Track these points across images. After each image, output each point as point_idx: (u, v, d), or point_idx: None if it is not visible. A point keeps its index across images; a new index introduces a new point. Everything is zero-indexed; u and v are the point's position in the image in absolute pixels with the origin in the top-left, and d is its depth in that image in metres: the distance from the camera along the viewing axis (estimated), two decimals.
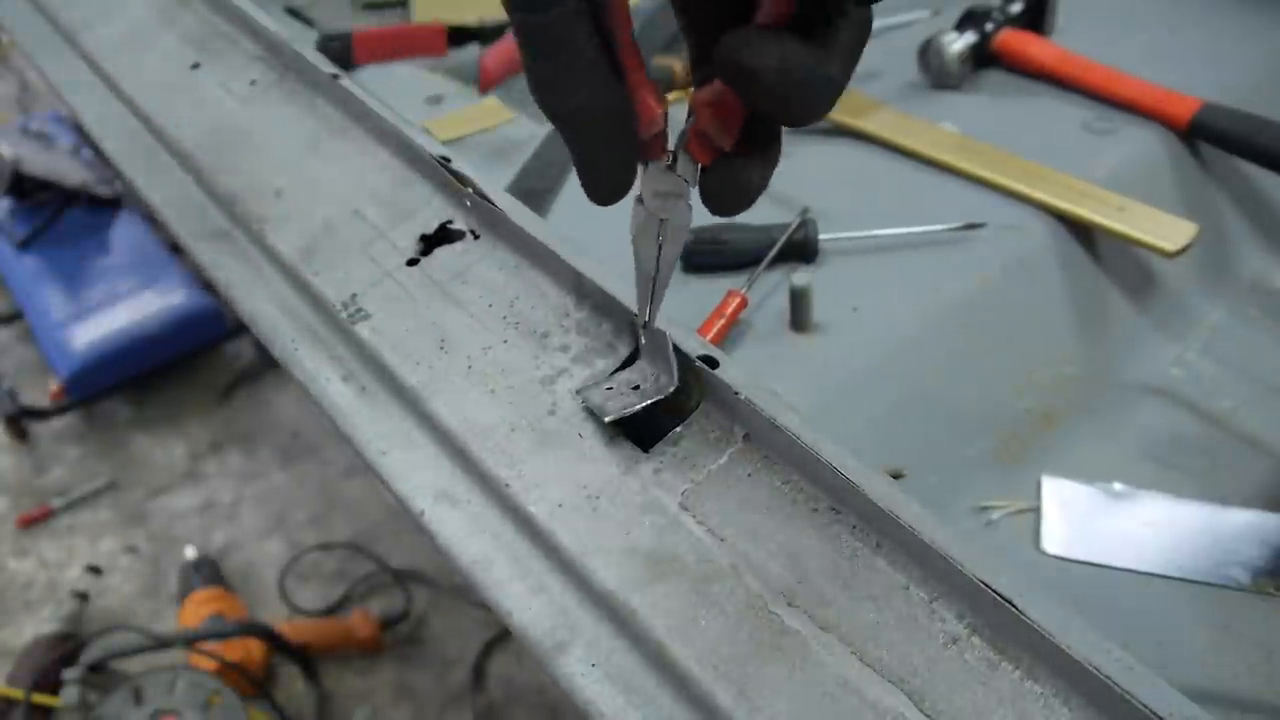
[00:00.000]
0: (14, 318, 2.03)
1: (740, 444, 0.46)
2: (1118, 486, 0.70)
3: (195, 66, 0.80)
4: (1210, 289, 0.85)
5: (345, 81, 0.70)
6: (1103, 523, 0.68)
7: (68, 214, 2.03)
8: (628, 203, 0.46)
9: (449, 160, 0.61)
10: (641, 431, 0.48)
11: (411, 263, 0.60)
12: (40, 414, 1.83)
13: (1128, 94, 0.89)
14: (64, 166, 2.07)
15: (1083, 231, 0.79)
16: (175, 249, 1.92)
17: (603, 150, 0.41)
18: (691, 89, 0.41)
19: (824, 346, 0.70)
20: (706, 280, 0.76)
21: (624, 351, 0.51)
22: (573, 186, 0.89)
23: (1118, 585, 0.64)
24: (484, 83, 1.01)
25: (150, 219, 2.03)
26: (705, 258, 0.77)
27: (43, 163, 2.05)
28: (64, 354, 1.80)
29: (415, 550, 1.63)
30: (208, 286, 1.83)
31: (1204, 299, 0.84)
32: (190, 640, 1.42)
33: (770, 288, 0.75)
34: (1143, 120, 0.88)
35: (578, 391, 0.49)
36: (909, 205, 0.81)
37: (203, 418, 1.90)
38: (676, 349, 0.48)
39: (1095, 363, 0.78)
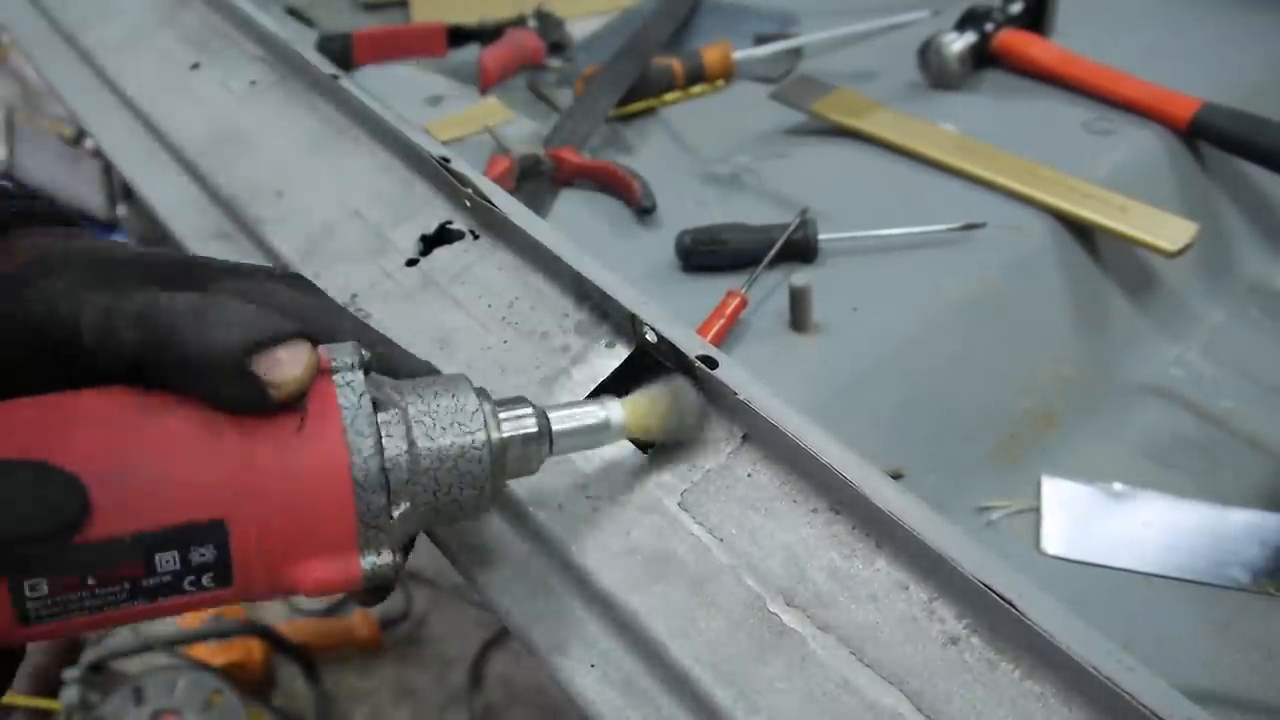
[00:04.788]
0: None
1: (739, 444, 0.46)
2: (1118, 486, 0.70)
3: (195, 66, 0.80)
4: (1210, 289, 0.85)
5: (345, 82, 0.70)
6: (1103, 523, 0.68)
7: None
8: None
9: (449, 161, 0.61)
10: None
11: (411, 263, 0.60)
12: None
13: (1128, 94, 0.89)
14: (62, 181, 2.06)
15: (1083, 232, 0.79)
16: None
17: None
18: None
19: (824, 347, 0.70)
20: (706, 280, 0.76)
21: (624, 352, 0.51)
22: (573, 187, 0.89)
23: (1118, 585, 0.64)
24: (484, 83, 1.01)
25: (143, 243, 2.02)
26: (704, 258, 0.77)
27: (40, 174, 2.04)
28: None
29: (415, 550, 1.63)
30: None
31: (1204, 299, 0.84)
32: (190, 640, 1.42)
33: (770, 288, 0.75)
34: (1143, 120, 0.88)
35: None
36: (909, 205, 0.80)
37: None
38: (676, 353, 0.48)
39: (1095, 363, 0.77)
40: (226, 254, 0.66)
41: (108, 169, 2.10)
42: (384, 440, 0.36)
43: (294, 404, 0.36)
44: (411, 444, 0.37)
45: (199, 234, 0.68)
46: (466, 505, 0.39)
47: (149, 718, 1.29)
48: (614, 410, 0.42)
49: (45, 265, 0.38)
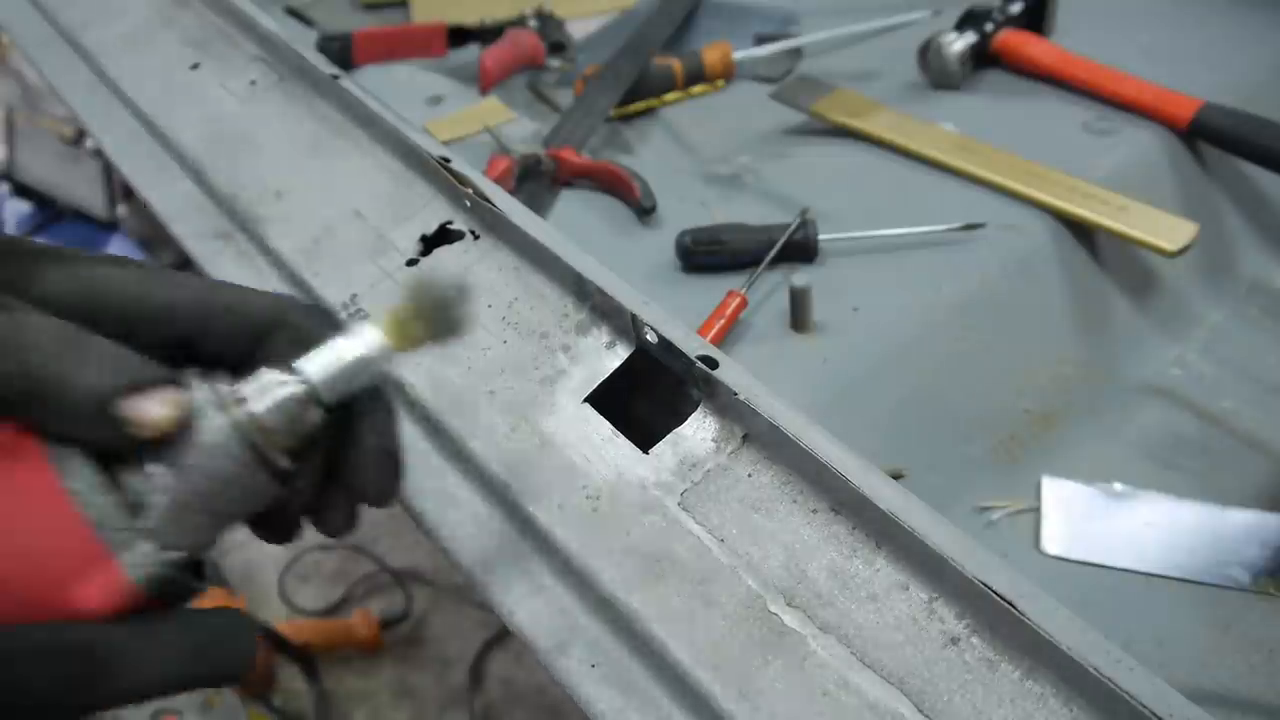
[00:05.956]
0: None
1: (740, 444, 0.46)
2: (1118, 486, 0.70)
3: (195, 67, 0.80)
4: (1210, 289, 0.85)
5: (345, 81, 0.70)
6: (1103, 523, 0.68)
7: (60, 235, 2.02)
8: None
9: (449, 160, 0.61)
10: (641, 432, 0.48)
11: (411, 263, 0.60)
12: None
13: (1128, 94, 0.89)
14: (62, 181, 2.06)
15: (1083, 231, 0.79)
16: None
17: None
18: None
19: (824, 347, 0.70)
20: (706, 280, 0.76)
21: (624, 352, 0.51)
22: (573, 187, 0.89)
23: (1118, 585, 0.64)
24: (484, 83, 1.01)
25: (143, 244, 2.01)
26: (705, 258, 0.77)
27: (40, 173, 2.04)
28: None
29: (415, 550, 1.63)
30: None
31: (1204, 299, 0.84)
32: None
33: (770, 288, 0.75)
34: (1143, 120, 0.88)
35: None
36: (909, 205, 0.81)
37: None
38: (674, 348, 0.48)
39: (1095, 363, 0.77)
40: (227, 254, 0.66)
41: (108, 169, 2.10)
42: (116, 475, 0.35)
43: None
44: (150, 475, 0.35)
45: (199, 234, 0.68)
46: (247, 494, 0.37)
47: (149, 718, 1.29)
48: (370, 336, 0.39)
49: None
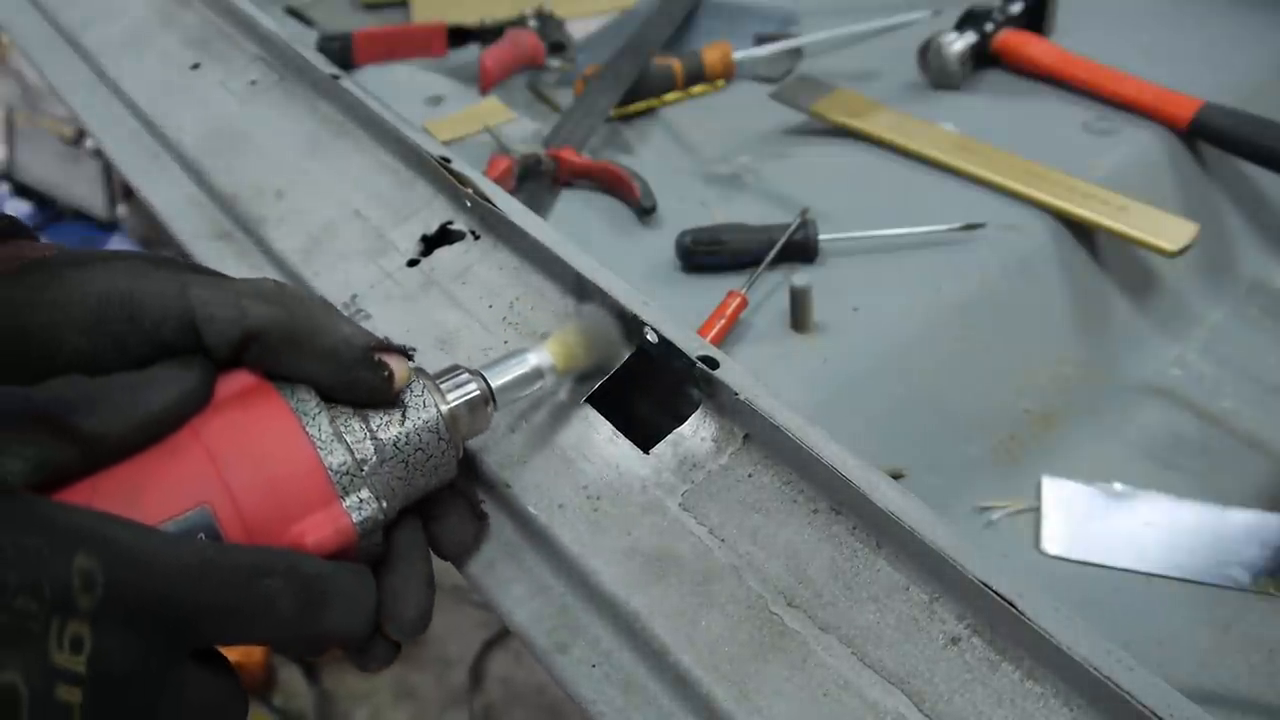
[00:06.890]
0: None
1: (740, 444, 0.46)
2: (1118, 486, 0.70)
3: (195, 67, 0.80)
4: (1210, 289, 0.85)
5: (345, 81, 0.70)
6: (1103, 523, 0.68)
7: (60, 235, 2.02)
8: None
9: (449, 160, 0.61)
10: (641, 432, 0.48)
11: (412, 263, 0.60)
12: None
13: (1128, 94, 0.89)
14: (62, 181, 2.06)
15: (1083, 231, 0.79)
16: None
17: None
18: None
19: (824, 347, 0.70)
20: (706, 280, 0.76)
21: (624, 354, 0.51)
22: (573, 187, 0.89)
23: (1118, 585, 0.64)
24: (484, 83, 1.01)
25: (144, 244, 2.01)
26: (705, 258, 0.77)
27: (40, 173, 2.04)
28: None
29: None
30: None
31: (1204, 299, 0.84)
32: None
33: (770, 288, 0.75)
34: (1143, 120, 0.88)
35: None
36: (909, 205, 0.80)
37: None
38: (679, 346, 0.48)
39: (1095, 363, 0.77)
40: (227, 254, 0.66)
41: (108, 169, 2.10)
42: (342, 430, 0.39)
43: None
44: (371, 433, 0.40)
45: (199, 234, 0.68)
46: (436, 469, 0.42)
47: None
48: (541, 356, 0.46)
49: (79, 257, 0.39)
